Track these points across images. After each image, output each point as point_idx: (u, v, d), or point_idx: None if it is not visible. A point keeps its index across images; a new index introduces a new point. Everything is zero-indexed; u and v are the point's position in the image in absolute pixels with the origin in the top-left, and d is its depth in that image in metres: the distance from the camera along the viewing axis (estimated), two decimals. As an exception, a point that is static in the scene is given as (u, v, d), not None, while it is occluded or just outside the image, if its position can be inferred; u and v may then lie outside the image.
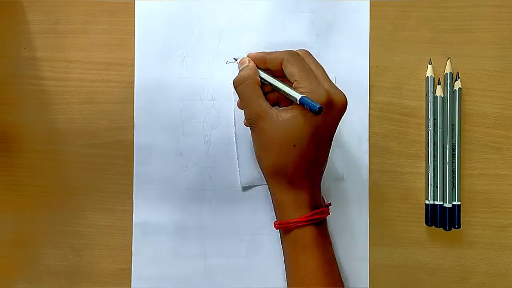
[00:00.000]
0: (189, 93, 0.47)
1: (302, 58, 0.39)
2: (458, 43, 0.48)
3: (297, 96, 0.36)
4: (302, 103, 0.36)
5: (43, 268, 0.48)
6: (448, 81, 0.47)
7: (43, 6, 0.48)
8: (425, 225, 0.47)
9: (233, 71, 0.47)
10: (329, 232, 0.44)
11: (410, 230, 0.48)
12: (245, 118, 0.40)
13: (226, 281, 0.47)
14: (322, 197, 0.42)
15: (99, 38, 0.48)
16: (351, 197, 0.47)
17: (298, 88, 0.37)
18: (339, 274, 0.40)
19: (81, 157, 0.48)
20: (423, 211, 0.47)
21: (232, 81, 0.41)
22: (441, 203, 0.47)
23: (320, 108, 0.36)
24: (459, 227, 0.47)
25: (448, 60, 0.47)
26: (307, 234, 0.39)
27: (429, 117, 0.47)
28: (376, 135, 0.48)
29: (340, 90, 0.39)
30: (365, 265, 0.47)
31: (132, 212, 0.48)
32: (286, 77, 0.39)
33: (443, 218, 0.47)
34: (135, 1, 0.48)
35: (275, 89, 0.40)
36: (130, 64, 0.48)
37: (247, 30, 0.47)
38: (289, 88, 0.38)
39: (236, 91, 0.40)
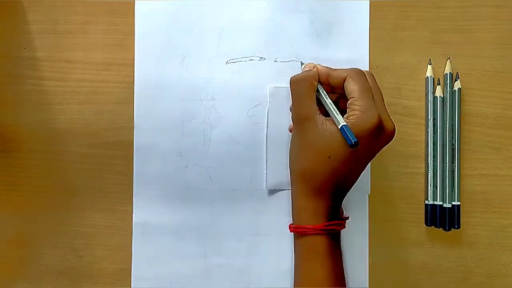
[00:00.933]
0: (189, 93, 0.47)
1: (366, 79, 0.39)
2: (458, 43, 0.48)
3: (340, 122, 0.37)
4: (342, 131, 0.36)
5: (43, 268, 0.48)
6: (448, 81, 0.47)
7: (43, 6, 0.48)
8: (424, 225, 0.47)
9: (234, 72, 0.47)
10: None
11: (410, 230, 0.48)
12: (292, 117, 0.40)
13: (226, 281, 0.47)
14: (341, 209, 0.42)
15: (99, 38, 0.48)
16: (351, 197, 0.47)
17: (354, 105, 0.37)
18: (345, 284, 0.41)
19: (81, 157, 0.48)
20: (423, 211, 0.47)
21: (290, 78, 0.41)
22: (440, 203, 0.47)
23: (355, 143, 0.36)
24: (458, 227, 0.47)
25: (448, 60, 0.47)
26: (322, 242, 0.39)
27: (429, 117, 0.47)
28: (376, 135, 0.48)
29: (391, 119, 0.39)
30: (365, 265, 0.47)
31: (132, 212, 0.48)
32: (345, 95, 0.39)
33: (443, 218, 0.47)
34: (135, 2, 0.48)
35: (324, 106, 0.40)
36: (130, 64, 0.48)
37: (247, 30, 0.47)
38: (337, 111, 0.38)
39: (291, 88, 0.41)
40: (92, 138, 0.48)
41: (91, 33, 0.48)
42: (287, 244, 0.47)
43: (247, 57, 0.47)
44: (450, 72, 0.47)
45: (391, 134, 0.39)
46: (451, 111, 0.47)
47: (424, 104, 0.48)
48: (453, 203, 0.47)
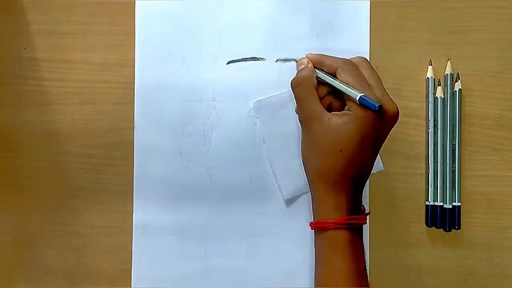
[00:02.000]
0: (189, 94, 0.47)
1: (357, 68, 0.39)
2: (459, 44, 0.48)
3: (357, 95, 0.37)
4: (361, 103, 0.37)
5: (43, 268, 0.48)
6: (448, 82, 0.47)
7: (44, 7, 0.48)
8: (425, 226, 0.47)
9: (234, 72, 0.47)
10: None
11: (410, 231, 0.48)
12: (299, 118, 0.41)
13: (226, 281, 0.47)
14: (363, 206, 0.42)
15: (99, 39, 0.48)
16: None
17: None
18: (367, 282, 0.40)
19: (81, 158, 0.48)
20: (423, 212, 0.47)
21: (290, 82, 0.41)
22: (441, 204, 0.47)
23: (380, 106, 0.36)
24: (459, 228, 0.46)
25: (449, 61, 0.47)
26: (342, 236, 0.39)
27: (430, 118, 0.47)
28: (376, 136, 0.48)
29: (393, 100, 0.39)
30: (366, 266, 0.47)
31: (132, 213, 0.48)
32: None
33: (443, 219, 0.47)
34: (136, 2, 0.48)
35: (333, 88, 0.40)
36: (130, 65, 0.48)
37: (248, 31, 0.47)
38: (348, 87, 0.38)
39: (293, 92, 0.41)
40: (92, 139, 0.48)
41: (92, 33, 0.48)
42: (287, 245, 0.47)
43: (247, 58, 0.47)
44: (450, 73, 0.47)
45: (395, 116, 0.39)
46: (452, 112, 0.47)
47: (424, 105, 0.48)
48: (454, 204, 0.47)
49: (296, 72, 0.42)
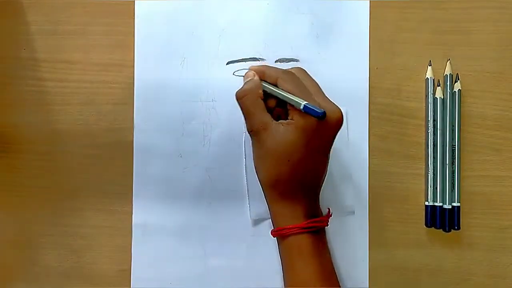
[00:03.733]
0: (189, 94, 0.47)
1: (296, 77, 0.40)
2: (458, 44, 0.48)
3: (301, 102, 0.37)
4: (305, 110, 0.37)
5: (43, 269, 0.48)
6: (448, 83, 0.47)
7: (43, 7, 0.48)
8: (424, 226, 0.47)
9: (234, 73, 0.47)
10: (329, 233, 0.44)
11: (409, 232, 0.48)
12: (247, 129, 0.40)
13: (225, 282, 0.47)
14: (329, 208, 0.42)
15: (99, 39, 0.48)
16: (351, 198, 0.47)
17: (292, 105, 0.38)
18: (337, 282, 0.41)
19: (81, 158, 0.48)
20: (423, 213, 0.47)
21: (235, 94, 0.41)
22: (440, 204, 0.47)
23: (323, 113, 0.36)
24: (458, 228, 0.47)
25: (448, 62, 0.47)
26: (303, 241, 0.39)
27: (429, 119, 0.47)
28: (376, 136, 0.48)
29: (336, 105, 0.39)
30: (365, 266, 0.47)
31: (132, 213, 0.48)
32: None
33: (442, 219, 0.47)
34: (135, 3, 0.48)
35: (279, 97, 0.40)
36: (130, 65, 0.48)
37: (247, 32, 0.48)
38: (291, 96, 0.38)
39: (239, 103, 0.41)
40: (92, 139, 0.48)
41: (91, 34, 0.48)
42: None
43: (247, 58, 0.47)
44: (450, 74, 0.47)
45: (338, 120, 0.39)
46: (451, 113, 0.47)
47: (424, 105, 0.48)
48: (453, 204, 0.47)
49: (242, 84, 0.42)
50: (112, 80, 0.48)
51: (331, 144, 0.40)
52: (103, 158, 0.48)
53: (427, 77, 0.47)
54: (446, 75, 0.47)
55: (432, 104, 0.47)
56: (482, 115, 0.47)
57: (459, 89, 0.47)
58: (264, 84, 0.41)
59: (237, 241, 0.47)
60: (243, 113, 0.40)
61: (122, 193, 0.48)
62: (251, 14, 0.48)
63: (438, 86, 0.47)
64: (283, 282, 0.41)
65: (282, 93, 0.39)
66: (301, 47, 0.47)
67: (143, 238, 0.48)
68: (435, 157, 0.47)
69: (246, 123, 0.41)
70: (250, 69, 0.42)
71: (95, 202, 0.48)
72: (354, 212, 0.47)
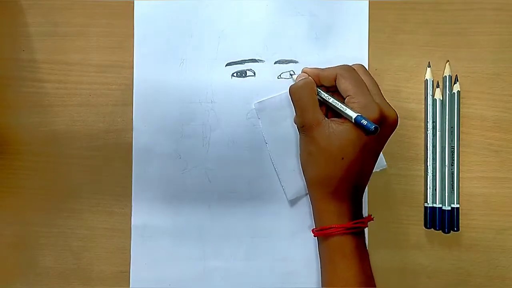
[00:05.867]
0: (188, 96, 0.47)
1: (357, 73, 0.39)
2: (457, 46, 0.48)
3: (353, 115, 0.37)
4: (357, 122, 0.36)
5: (41, 270, 0.48)
6: (447, 84, 0.47)
7: (43, 9, 0.48)
8: (424, 227, 0.47)
9: (233, 74, 0.47)
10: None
11: (409, 233, 0.48)
12: (298, 125, 0.40)
13: (224, 283, 0.47)
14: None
15: (98, 41, 0.48)
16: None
17: (351, 103, 0.38)
18: (375, 286, 0.40)
19: (79, 159, 0.48)
20: (422, 214, 0.47)
21: (289, 88, 0.41)
22: (440, 206, 0.47)
23: (376, 128, 0.36)
24: (458, 230, 0.47)
25: (447, 63, 0.47)
26: (347, 243, 0.39)
27: (428, 120, 0.47)
28: (375, 137, 0.48)
29: (391, 108, 0.39)
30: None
31: (131, 215, 0.47)
32: (339, 93, 0.39)
33: (442, 220, 0.47)
34: (134, 4, 0.48)
35: (330, 106, 0.40)
36: (129, 67, 0.48)
37: (246, 33, 0.48)
38: (344, 106, 0.38)
39: (293, 98, 0.40)
40: (91, 140, 0.48)
41: (90, 35, 0.48)
42: (286, 247, 0.47)
43: (246, 60, 0.47)
44: (449, 75, 0.47)
45: (395, 122, 0.39)
46: (450, 114, 0.47)
47: (423, 106, 0.48)
48: (453, 205, 0.47)
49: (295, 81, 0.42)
50: (111, 82, 0.48)
51: (384, 146, 0.40)
52: (102, 159, 0.48)
53: (426, 79, 0.47)
54: (445, 76, 0.47)
55: (431, 106, 0.47)
56: (481, 116, 0.48)
57: (458, 90, 0.47)
58: (318, 90, 0.40)
59: (236, 242, 0.47)
60: (295, 108, 0.40)
61: (121, 194, 0.48)
62: (250, 16, 0.48)
63: (437, 87, 0.47)
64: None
65: (334, 103, 0.39)
66: (300, 49, 0.47)
67: (142, 239, 0.47)
68: (434, 159, 0.47)
69: (297, 118, 0.40)
70: (303, 71, 0.42)
71: (94, 204, 0.48)
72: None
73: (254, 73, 0.47)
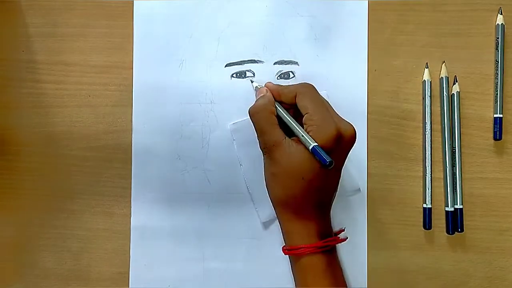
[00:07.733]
0: (188, 97, 0.47)
1: (316, 92, 0.40)
2: (456, 47, 0.48)
3: (310, 145, 0.37)
4: (313, 153, 0.37)
5: (41, 271, 0.48)
6: (444, 85, 0.47)
7: (42, 9, 0.48)
8: (423, 228, 0.47)
9: (232, 75, 0.47)
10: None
11: (408, 234, 0.48)
12: (260, 146, 0.41)
13: (224, 284, 0.47)
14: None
15: (97, 42, 0.48)
16: (349, 200, 0.47)
17: (310, 120, 0.38)
18: None
19: (79, 160, 0.48)
20: (421, 215, 0.47)
21: (248, 110, 0.41)
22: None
23: (330, 162, 0.36)
24: (462, 230, 0.46)
25: (443, 64, 0.47)
26: (318, 262, 0.39)
27: (426, 121, 0.47)
28: (374, 138, 0.48)
29: (349, 123, 0.39)
30: (363, 269, 0.47)
31: (130, 216, 0.47)
32: (299, 109, 0.40)
33: (445, 222, 0.47)
34: (134, 4, 0.48)
35: (289, 126, 0.40)
36: (128, 68, 0.48)
37: (246, 34, 0.48)
38: (303, 134, 0.38)
39: (252, 120, 0.41)
40: (90, 141, 0.48)
41: (90, 36, 0.48)
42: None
43: (246, 60, 0.47)
44: (445, 76, 0.47)
45: (352, 137, 0.39)
46: (449, 115, 0.47)
47: (422, 107, 0.48)
48: (456, 206, 0.47)
49: (255, 100, 0.42)
50: (110, 82, 0.48)
51: (344, 161, 0.40)
52: (101, 160, 0.48)
53: (424, 79, 0.47)
54: (442, 77, 0.47)
55: (429, 107, 0.47)
56: (480, 117, 0.48)
57: (457, 91, 0.47)
58: (277, 108, 0.41)
59: (235, 243, 0.47)
60: (256, 130, 0.41)
61: (121, 195, 0.48)
62: (250, 16, 0.48)
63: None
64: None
65: (292, 127, 0.39)
66: (299, 49, 0.47)
67: (142, 240, 0.47)
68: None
69: (259, 140, 0.41)
70: (265, 85, 0.43)
71: (93, 205, 0.48)
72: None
73: (254, 74, 0.47)
